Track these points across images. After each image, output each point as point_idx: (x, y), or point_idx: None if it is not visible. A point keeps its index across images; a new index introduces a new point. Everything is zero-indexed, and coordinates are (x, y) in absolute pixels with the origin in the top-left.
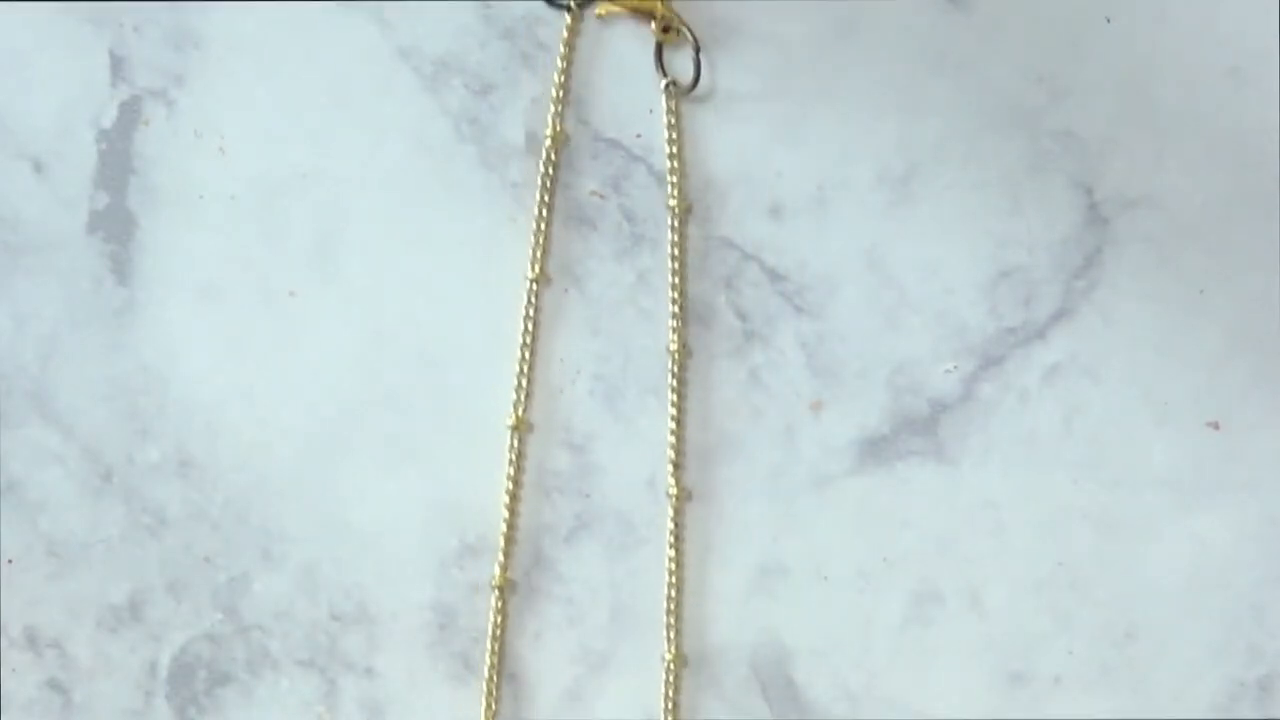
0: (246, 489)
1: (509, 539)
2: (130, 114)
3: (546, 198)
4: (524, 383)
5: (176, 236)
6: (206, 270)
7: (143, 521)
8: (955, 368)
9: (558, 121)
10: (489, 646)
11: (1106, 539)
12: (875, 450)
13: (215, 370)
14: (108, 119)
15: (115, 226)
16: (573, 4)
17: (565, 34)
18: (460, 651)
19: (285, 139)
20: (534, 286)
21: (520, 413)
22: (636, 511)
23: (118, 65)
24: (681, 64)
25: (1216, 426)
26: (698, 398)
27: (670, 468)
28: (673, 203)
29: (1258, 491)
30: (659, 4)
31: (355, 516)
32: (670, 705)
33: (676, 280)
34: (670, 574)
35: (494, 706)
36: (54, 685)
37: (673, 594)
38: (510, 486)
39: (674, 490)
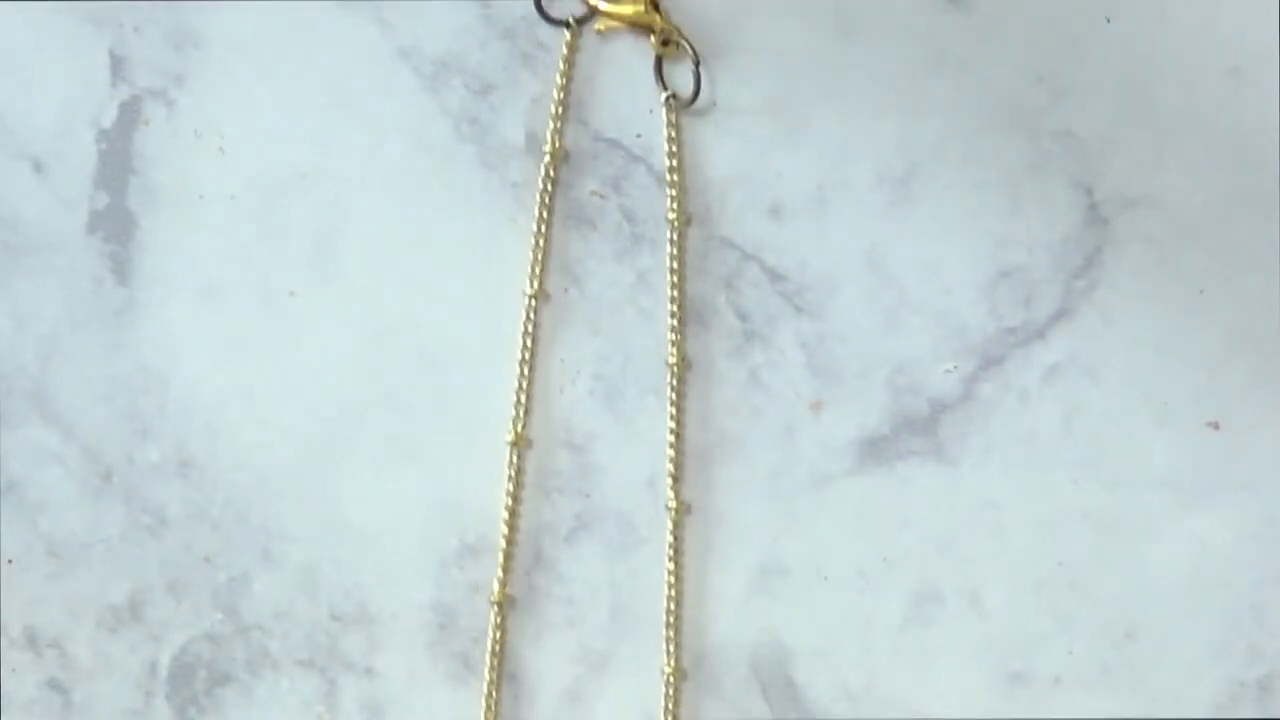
0: (246, 489)
1: (508, 554)
2: (130, 114)
3: (545, 213)
4: (522, 398)
5: (176, 236)
6: (206, 270)
7: (143, 521)
8: (955, 368)
9: (557, 138)
10: (489, 647)
11: (1106, 539)
12: (875, 450)
13: (215, 370)
14: (108, 119)
15: (115, 226)
16: (572, 19)
17: (565, 50)
18: (460, 651)
19: (285, 139)
20: (533, 302)
21: (519, 429)
22: (636, 512)
23: (118, 65)
24: (681, 77)
25: (1216, 426)
26: (698, 398)
27: (669, 480)
28: (672, 215)
29: (1258, 491)
30: (658, 17)
31: (355, 516)
32: (670, 706)
33: (675, 294)
34: (670, 586)
35: (494, 707)
36: (54, 685)
37: (672, 606)
38: (509, 503)
39: (673, 503)
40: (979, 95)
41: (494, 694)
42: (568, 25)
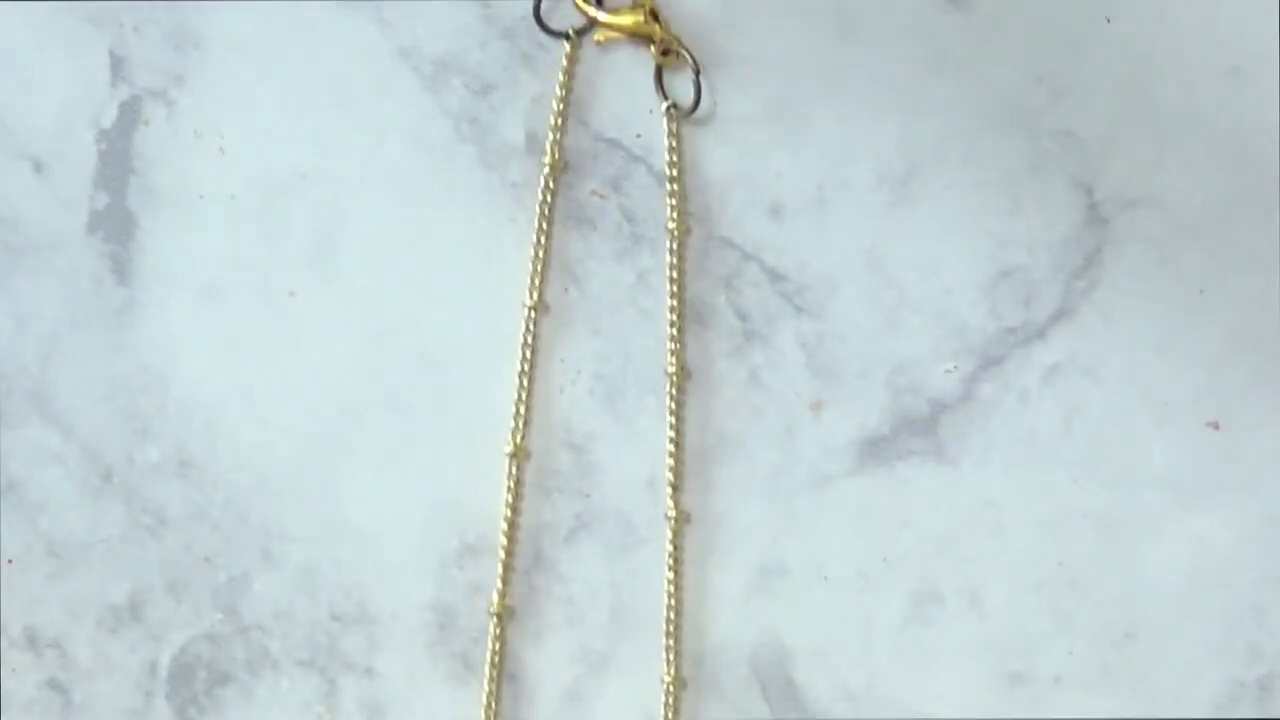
0: (246, 489)
1: (507, 565)
2: (130, 114)
3: (545, 224)
4: (522, 409)
5: (176, 236)
6: (206, 270)
7: (143, 521)
8: (955, 368)
9: (556, 149)
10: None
11: (1106, 539)
12: (875, 450)
13: (215, 370)
14: (108, 119)
15: (115, 226)
16: (571, 31)
17: (565, 61)
18: (460, 651)
19: (285, 139)
20: (532, 313)
21: (519, 440)
22: (636, 513)
23: (118, 65)
24: (682, 87)
25: (1216, 426)
26: (698, 398)
27: (669, 490)
28: (672, 225)
29: (1258, 491)
30: (657, 28)
31: (355, 516)
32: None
33: (675, 302)
34: (670, 592)
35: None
36: (54, 685)
37: (672, 616)
38: (509, 514)
39: (673, 512)
40: (979, 95)
41: (494, 694)
42: (567, 37)
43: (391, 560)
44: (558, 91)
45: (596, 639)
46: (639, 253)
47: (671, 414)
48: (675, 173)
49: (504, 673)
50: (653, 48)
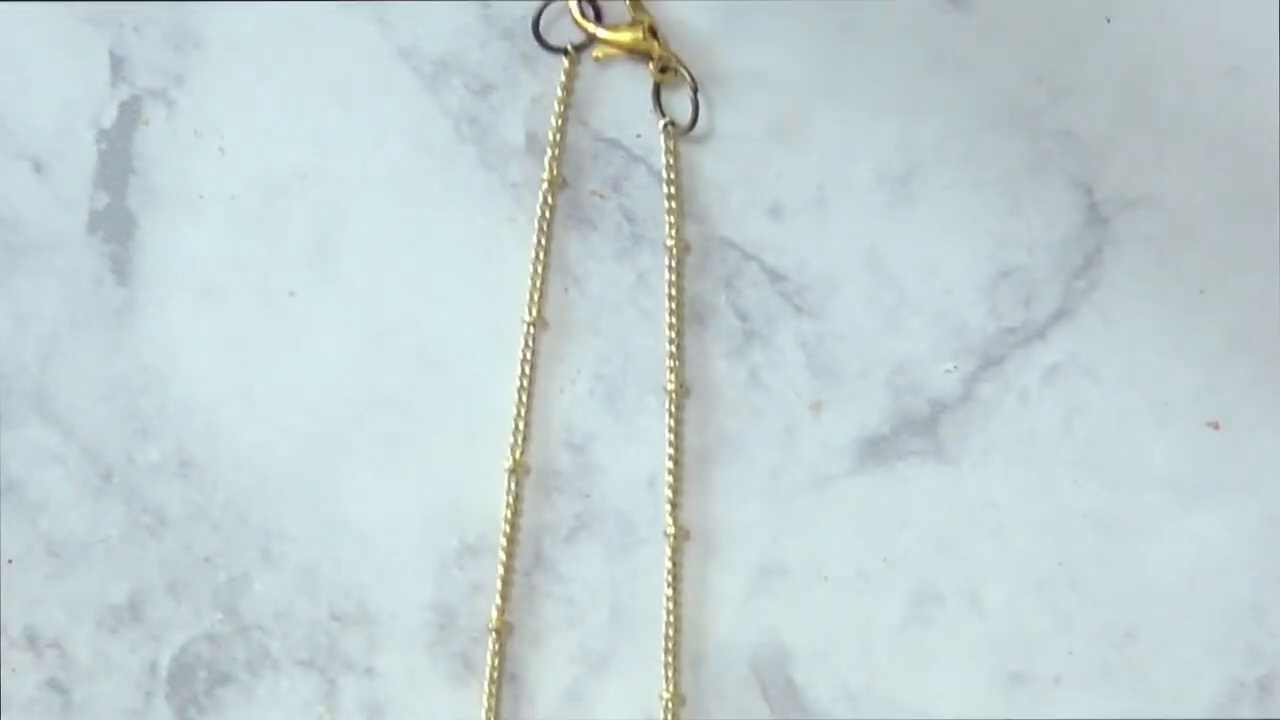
0: (246, 489)
1: (505, 580)
2: (130, 114)
3: (544, 240)
4: (521, 425)
5: (176, 236)
6: (206, 270)
7: (143, 521)
8: (955, 368)
9: (555, 165)
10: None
11: (1106, 539)
12: (875, 450)
13: (215, 370)
14: (108, 119)
15: (115, 226)
16: (570, 46)
17: (563, 77)
18: (460, 651)
19: (285, 139)
20: (531, 330)
21: (518, 455)
22: (636, 511)
23: (118, 65)
24: (680, 104)
25: (1216, 426)
26: (698, 398)
27: (668, 506)
28: (670, 242)
29: (1258, 491)
30: (656, 44)
31: (355, 516)
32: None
33: (674, 320)
34: (668, 611)
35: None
36: (54, 685)
37: (671, 619)
38: (507, 529)
39: (671, 530)
40: (979, 95)
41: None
42: (565, 52)
43: (391, 560)
44: (556, 108)
45: (596, 639)
46: (639, 253)
47: (670, 430)
48: (673, 190)
49: (504, 673)
50: (651, 65)
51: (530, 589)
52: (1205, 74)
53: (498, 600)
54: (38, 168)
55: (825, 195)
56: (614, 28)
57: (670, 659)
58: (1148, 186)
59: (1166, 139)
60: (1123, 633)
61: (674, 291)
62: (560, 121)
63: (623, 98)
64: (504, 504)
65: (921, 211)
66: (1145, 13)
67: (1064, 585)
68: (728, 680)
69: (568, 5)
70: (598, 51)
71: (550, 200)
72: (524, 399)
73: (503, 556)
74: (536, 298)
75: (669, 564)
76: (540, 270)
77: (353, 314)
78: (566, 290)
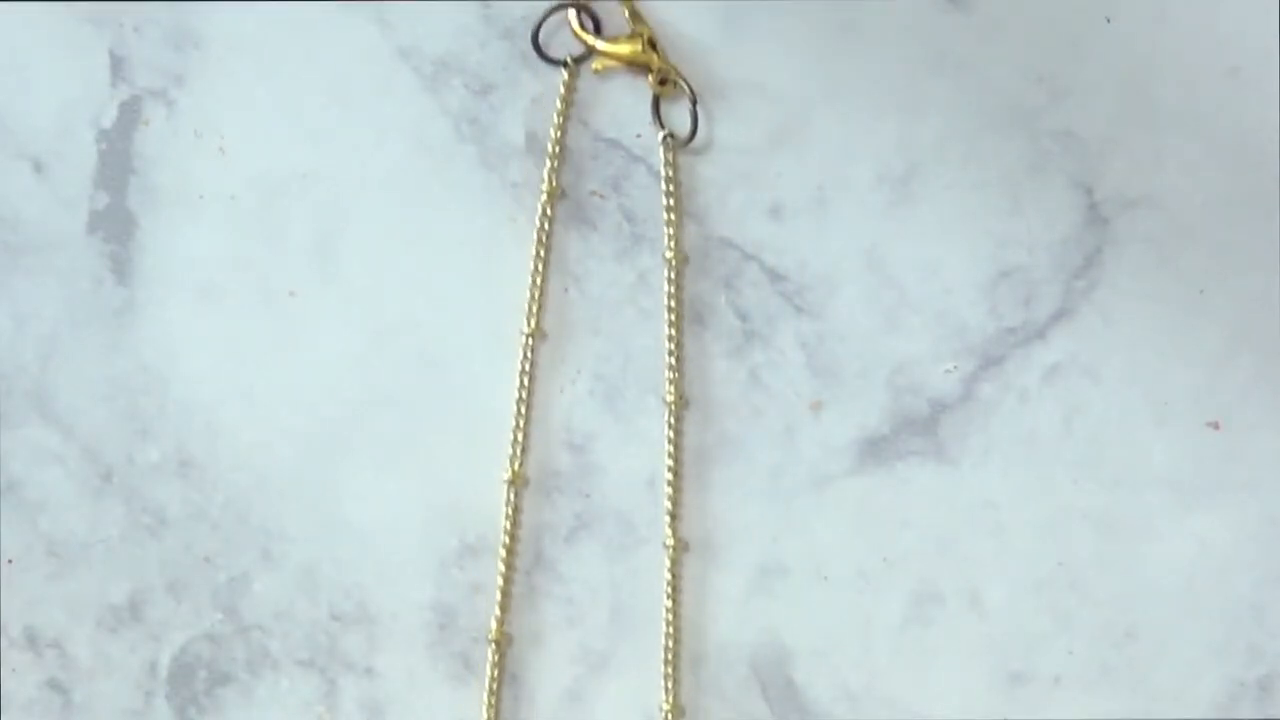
0: (246, 489)
1: (505, 591)
2: (130, 114)
3: (543, 251)
4: (520, 436)
5: (176, 236)
6: (206, 270)
7: (143, 521)
8: (955, 368)
9: (554, 177)
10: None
11: (1106, 539)
12: (875, 450)
13: (215, 370)
14: (108, 119)
15: (115, 226)
16: (569, 59)
17: (562, 89)
18: (460, 651)
19: (285, 139)
20: (530, 341)
21: (516, 467)
22: (636, 511)
23: (118, 65)
24: (679, 116)
25: (1216, 426)
26: (698, 398)
27: (667, 519)
28: (669, 254)
29: (1258, 491)
30: (655, 56)
31: (355, 516)
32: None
33: (673, 332)
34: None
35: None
36: (54, 685)
37: (670, 644)
38: (507, 540)
39: (671, 541)
40: (979, 95)
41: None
42: (565, 64)
43: (391, 560)
44: (556, 119)
45: (596, 639)
46: (639, 253)
47: (670, 441)
48: (672, 201)
49: (504, 676)
50: (650, 77)
51: (530, 589)
52: (1205, 74)
53: (497, 611)
54: (38, 168)
55: (825, 195)
56: (613, 40)
57: (670, 660)
58: (1148, 186)
59: (1166, 139)
60: (1123, 633)
61: (673, 303)
62: (559, 134)
63: (623, 98)
64: (503, 514)
65: (921, 211)
66: (1145, 13)
67: (1064, 585)
68: (728, 681)
69: (567, 17)
70: (597, 64)
71: (550, 212)
72: (523, 410)
73: (502, 568)
74: (535, 309)
75: (668, 564)
76: (540, 282)
77: (353, 314)
78: (566, 290)
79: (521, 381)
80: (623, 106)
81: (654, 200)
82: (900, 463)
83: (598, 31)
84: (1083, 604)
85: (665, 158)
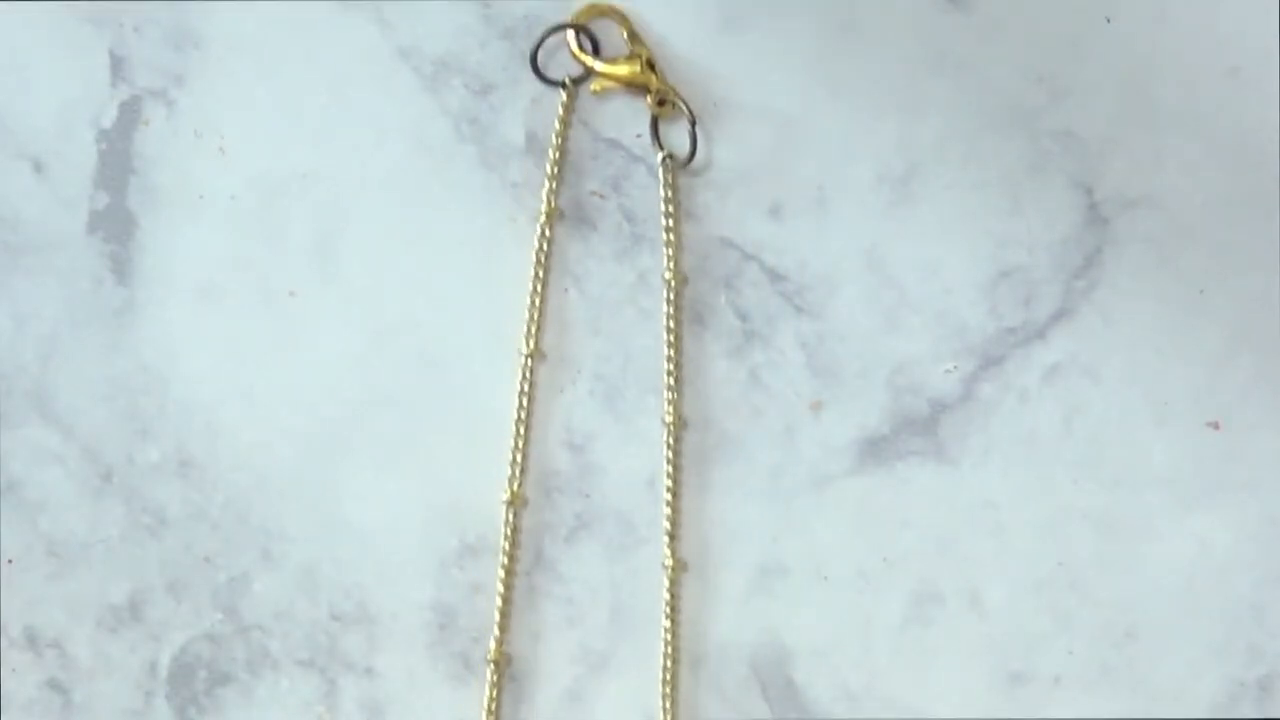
0: (246, 489)
1: (504, 612)
2: (130, 114)
3: (541, 273)
4: (519, 458)
5: (176, 236)
6: (206, 270)
7: (143, 521)
8: (955, 368)
9: (552, 198)
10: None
11: (1106, 539)
12: (875, 450)
13: (215, 370)
14: (108, 119)
15: (115, 226)
16: (568, 80)
17: (561, 111)
18: (460, 651)
19: (285, 139)
20: (529, 362)
21: (515, 487)
22: (636, 511)
23: (118, 65)
24: (678, 137)
25: (1216, 426)
26: (698, 398)
27: (666, 539)
28: (669, 275)
29: (1258, 491)
30: (654, 77)
31: (355, 516)
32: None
33: (672, 353)
34: (666, 644)
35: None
36: (54, 685)
37: (669, 665)
38: (505, 561)
39: (669, 562)
40: (979, 95)
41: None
42: (564, 85)
43: (391, 560)
44: (555, 140)
45: (596, 639)
46: (639, 253)
47: (669, 462)
48: (670, 222)
49: (504, 673)
50: (649, 98)
51: (530, 589)
52: (1205, 74)
53: (496, 632)
54: (38, 168)
55: (825, 195)
56: (611, 61)
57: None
58: (1148, 186)
59: (1166, 139)
60: (1123, 633)
61: (672, 324)
62: (558, 154)
63: (622, 110)
64: (502, 534)
65: (921, 211)
66: (1145, 13)
67: (1064, 585)
68: (728, 681)
69: (565, 38)
70: (595, 85)
71: (549, 233)
72: (522, 431)
73: (501, 589)
74: (534, 329)
75: (668, 595)
76: (539, 301)
77: (353, 314)
78: (566, 291)
79: (520, 401)
80: (623, 107)
81: (654, 200)
82: (900, 463)
83: (596, 52)
84: (1083, 604)
85: (664, 178)
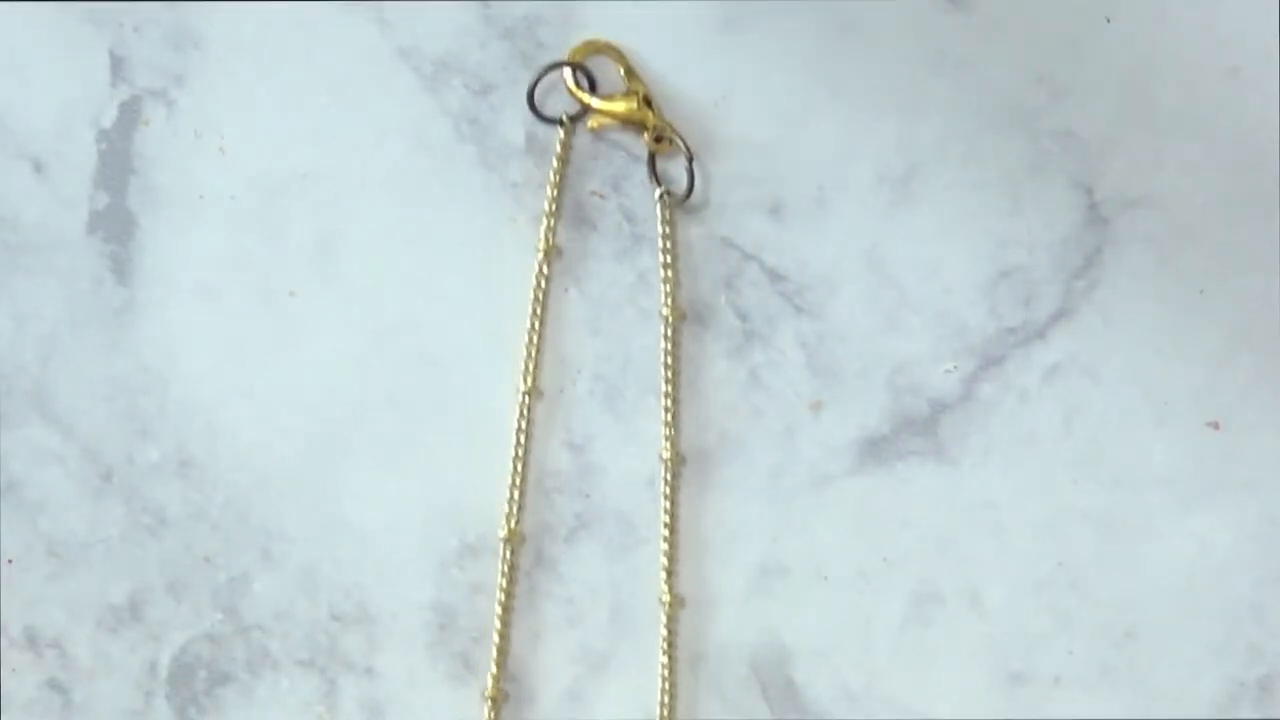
0: (246, 489)
1: (501, 649)
2: (130, 114)
3: (539, 310)
4: (516, 494)
5: (176, 236)
6: (206, 270)
7: (143, 521)
8: (955, 368)
9: (551, 235)
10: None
11: (1106, 539)
12: (875, 450)
13: (215, 370)
14: (108, 119)
15: (115, 226)
16: (565, 117)
17: (559, 148)
18: (460, 651)
19: (285, 139)
20: (526, 400)
21: (513, 525)
22: (636, 511)
23: (118, 65)
24: (675, 173)
25: (1216, 426)
26: (698, 398)
27: (664, 574)
28: (666, 311)
29: (1258, 491)
30: (651, 114)
31: (355, 516)
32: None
33: (670, 388)
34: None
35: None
36: (54, 685)
37: (666, 699)
38: (502, 595)
39: (667, 598)
40: (979, 95)
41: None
42: (561, 123)
43: (391, 560)
44: (552, 178)
45: (596, 639)
46: (639, 253)
47: (667, 497)
48: (668, 258)
49: (504, 673)
50: (646, 134)
51: (530, 589)
52: (1205, 74)
53: (493, 669)
54: (38, 168)
55: (825, 195)
56: (608, 97)
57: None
58: (1148, 186)
59: (1166, 139)
60: (1123, 633)
61: (670, 360)
62: (556, 191)
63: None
64: (499, 572)
65: (921, 211)
66: (1145, 13)
67: (1064, 585)
68: (728, 681)
69: (562, 75)
70: (593, 122)
71: (546, 270)
72: (519, 469)
73: (499, 625)
74: (532, 366)
75: (664, 631)
76: (537, 340)
77: (353, 314)
78: (566, 291)
79: (518, 440)
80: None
81: (654, 200)
82: (900, 463)
83: (593, 89)
84: (1083, 604)
85: (662, 215)
